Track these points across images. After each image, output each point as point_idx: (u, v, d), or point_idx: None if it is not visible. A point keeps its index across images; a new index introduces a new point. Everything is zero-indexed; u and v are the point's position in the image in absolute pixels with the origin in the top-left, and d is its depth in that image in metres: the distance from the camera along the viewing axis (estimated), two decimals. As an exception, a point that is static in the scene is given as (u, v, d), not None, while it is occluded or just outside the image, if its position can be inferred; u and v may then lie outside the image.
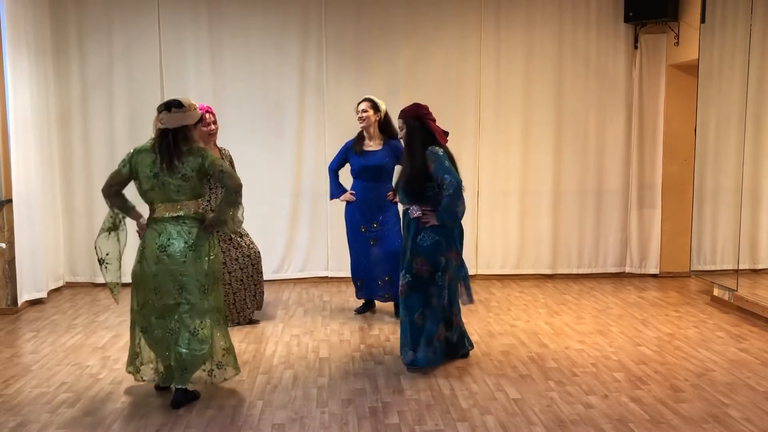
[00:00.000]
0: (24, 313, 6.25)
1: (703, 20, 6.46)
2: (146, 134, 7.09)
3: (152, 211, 4.14)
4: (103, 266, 4.22)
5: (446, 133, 4.68)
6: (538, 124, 7.42)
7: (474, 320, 5.88)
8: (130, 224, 4.25)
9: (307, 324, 5.84)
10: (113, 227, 4.20)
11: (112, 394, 4.28)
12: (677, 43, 7.16)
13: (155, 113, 4.12)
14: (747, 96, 6.05)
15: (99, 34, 7.09)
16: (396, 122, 5.77)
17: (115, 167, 4.15)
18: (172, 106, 4.06)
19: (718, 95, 6.53)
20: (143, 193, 4.12)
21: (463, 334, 4.90)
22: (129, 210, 4.22)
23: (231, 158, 5.75)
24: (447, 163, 4.47)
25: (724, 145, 6.53)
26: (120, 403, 4.15)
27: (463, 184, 4.52)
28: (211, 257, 4.16)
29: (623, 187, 7.56)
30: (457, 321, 4.82)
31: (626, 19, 7.25)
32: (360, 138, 5.87)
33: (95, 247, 4.19)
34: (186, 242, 4.05)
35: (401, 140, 4.94)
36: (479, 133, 7.39)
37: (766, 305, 5.73)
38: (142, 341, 4.24)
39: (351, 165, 5.91)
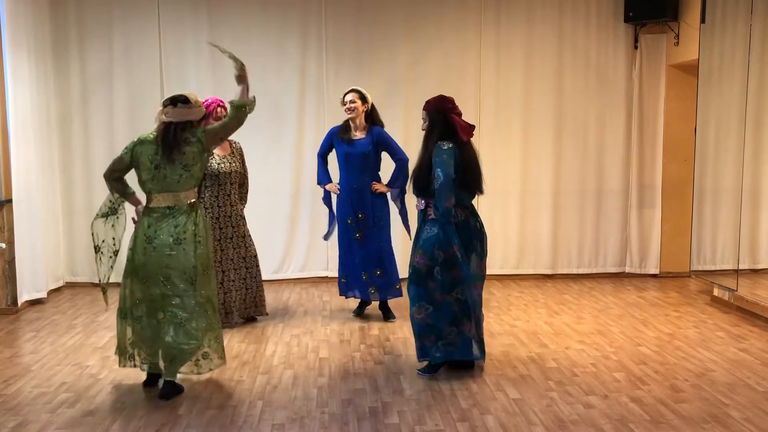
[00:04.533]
0: (24, 313, 6.25)
1: (703, 20, 6.46)
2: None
3: (149, 200, 4.21)
4: (97, 255, 4.25)
5: (472, 127, 4.53)
6: (538, 124, 7.42)
7: (474, 320, 5.88)
8: (129, 212, 4.31)
9: (307, 324, 5.84)
10: (111, 212, 4.27)
11: (112, 395, 4.28)
12: (677, 43, 7.16)
13: (159, 107, 4.20)
14: (747, 96, 6.05)
15: (99, 34, 7.09)
16: (379, 113, 5.87)
17: (118, 153, 4.24)
18: (178, 101, 4.13)
19: (718, 95, 6.53)
20: (142, 183, 4.20)
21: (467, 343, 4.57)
22: (129, 195, 4.30)
23: (241, 151, 5.76)
24: (445, 157, 4.36)
25: (724, 145, 6.53)
26: (120, 403, 4.15)
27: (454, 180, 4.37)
28: (199, 251, 4.17)
29: (623, 187, 7.56)
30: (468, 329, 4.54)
31: (626, 19, 7.25)
32: (346, 127, 5.80)
33: (92, 233, 4.25)
34: (172, 235, 4.11)
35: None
36: (479, 133, 7.36)
37: (766, 305, 5.73)
38: (130, 334, 4.26)
39: (337, 153, 5.85)
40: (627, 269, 7.64)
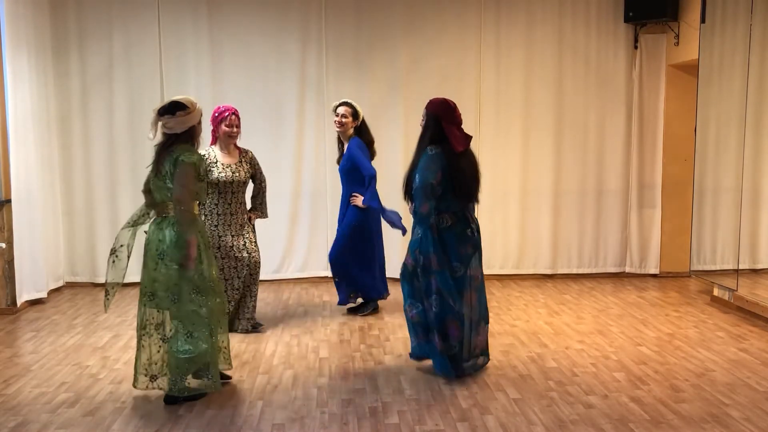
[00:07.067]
0: (24, 313, 6.25)
1: (703, 20, 6.46)
2: (146, 134, 7.18)
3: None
4: (111, 257, 4.13)
5: (468, 137, 4.47)
6: (538, 124, 7.42)
7: (474, 320, 5.88)
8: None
9: (307, 324, 5.84)
10: (139, 222, 4.19)
11: (112, 394, 4.28)
12: (677, 43, 7.17)
13: (154, 115, 4.07)
14: (747, 96, 6.05)
15: (99, 34, 7.09)
16: (372, 129, 5.97)
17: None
18: (177, 109, 4.00)
19: (718, 95, 6.53)
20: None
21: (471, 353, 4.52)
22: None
23: (253, 160, 5.50)
24: (427, 162, 4.33)
25: (724, 145, 6.53)
26: (120, 403, 4.15)
27: (432, 185, 4.30)
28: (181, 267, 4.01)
29: (623, 187, 7.56)
30: (455, 335, 4.42)
31: (626, 19, 7.25)
32: (339, 143, 5.98)
33: (116, 238, 4.17)
34: (157, 249, 4.02)
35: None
36: (479, 133, 7.38)
37: (766, 305, 5.73)
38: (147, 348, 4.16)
39: None
40: (627, 269, 7.65)
